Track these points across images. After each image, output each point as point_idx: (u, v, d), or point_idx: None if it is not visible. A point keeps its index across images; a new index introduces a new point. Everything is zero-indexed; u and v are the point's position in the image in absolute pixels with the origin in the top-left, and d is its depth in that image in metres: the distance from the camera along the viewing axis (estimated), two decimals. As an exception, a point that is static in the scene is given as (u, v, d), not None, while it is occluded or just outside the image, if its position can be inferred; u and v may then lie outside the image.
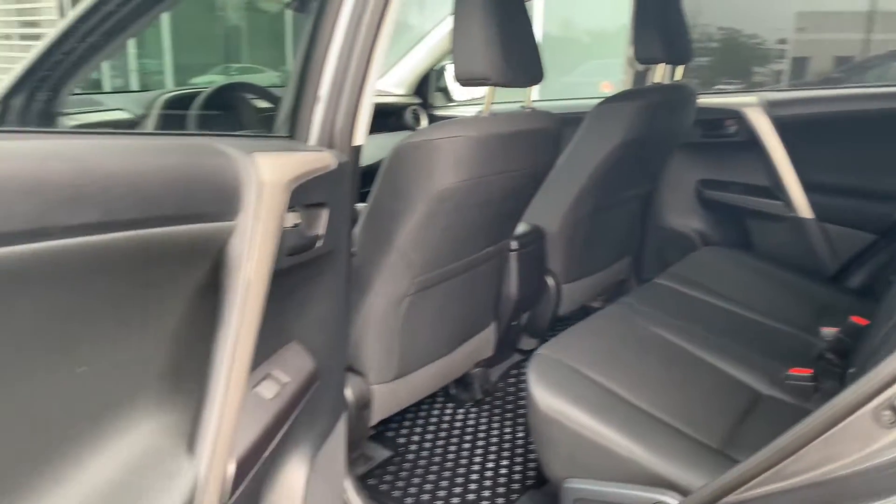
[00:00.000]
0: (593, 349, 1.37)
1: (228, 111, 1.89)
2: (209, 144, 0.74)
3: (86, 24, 1.39)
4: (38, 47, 1.45)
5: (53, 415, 0.59)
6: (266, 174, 0.77)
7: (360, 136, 1.06)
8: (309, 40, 1.01)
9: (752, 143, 2.07)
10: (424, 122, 2.67)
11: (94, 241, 0.55)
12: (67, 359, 0.59)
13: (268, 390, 0.87)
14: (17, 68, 1.48)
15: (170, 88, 2.00)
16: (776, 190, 2.09)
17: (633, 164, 1.90)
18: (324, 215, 0.95)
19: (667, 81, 1.95)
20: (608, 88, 2.75)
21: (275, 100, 1.94)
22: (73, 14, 1.41)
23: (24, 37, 9.48)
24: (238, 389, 0.75)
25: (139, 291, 0.65)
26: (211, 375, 0.72)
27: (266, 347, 0.85)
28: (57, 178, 0.52)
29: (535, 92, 1.54)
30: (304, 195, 0.87)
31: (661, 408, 1.22)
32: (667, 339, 1.47)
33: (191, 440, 0.71)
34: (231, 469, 0.76)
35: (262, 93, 1.96)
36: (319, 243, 0.95)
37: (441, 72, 2.76)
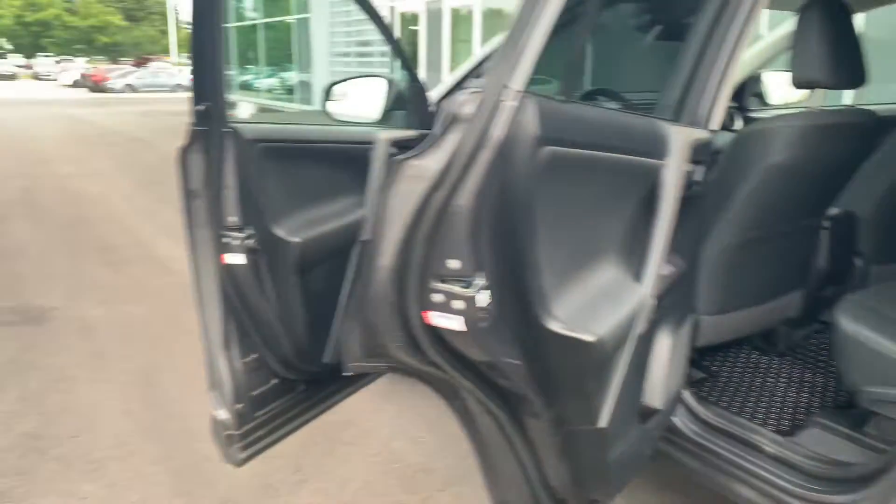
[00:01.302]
0: (894, 299, 1.77)
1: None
2: (653, 119, 1.39)
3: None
4: (466, 63, 2.24)
5: (589, 244, 1.27)
6: (679, 137, 1.39)
7: (716, 123, 1.63)
8: (693, 61, 1.60)
9: None
10: (739, 122, 3.12)
11: (616, 157, 1.22)
12: (593, 218, 1.26)
13: (663, 271, 1.49)
14: (454, 75, 2.27)
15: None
16: None
17: None
18: (700, 170, 1.54)
19: None
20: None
21: (623, 101, 2.60)
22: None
23: (359, 54, 11.67)
24: (661, 259, 1.39)
25: (621, 190, 1.31)
26: (650, 246, 1.36)
27: None
28: (609, 122, 1.20)
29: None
30: (693, 154, 1.47)
31: None
32: None
33: (637, 277, 1.36)
34: (653, 301, 1.39)
35: (615, 96, 2.63)
36: (696, 187, 1.54)
37: (757, 79, 3.19)
